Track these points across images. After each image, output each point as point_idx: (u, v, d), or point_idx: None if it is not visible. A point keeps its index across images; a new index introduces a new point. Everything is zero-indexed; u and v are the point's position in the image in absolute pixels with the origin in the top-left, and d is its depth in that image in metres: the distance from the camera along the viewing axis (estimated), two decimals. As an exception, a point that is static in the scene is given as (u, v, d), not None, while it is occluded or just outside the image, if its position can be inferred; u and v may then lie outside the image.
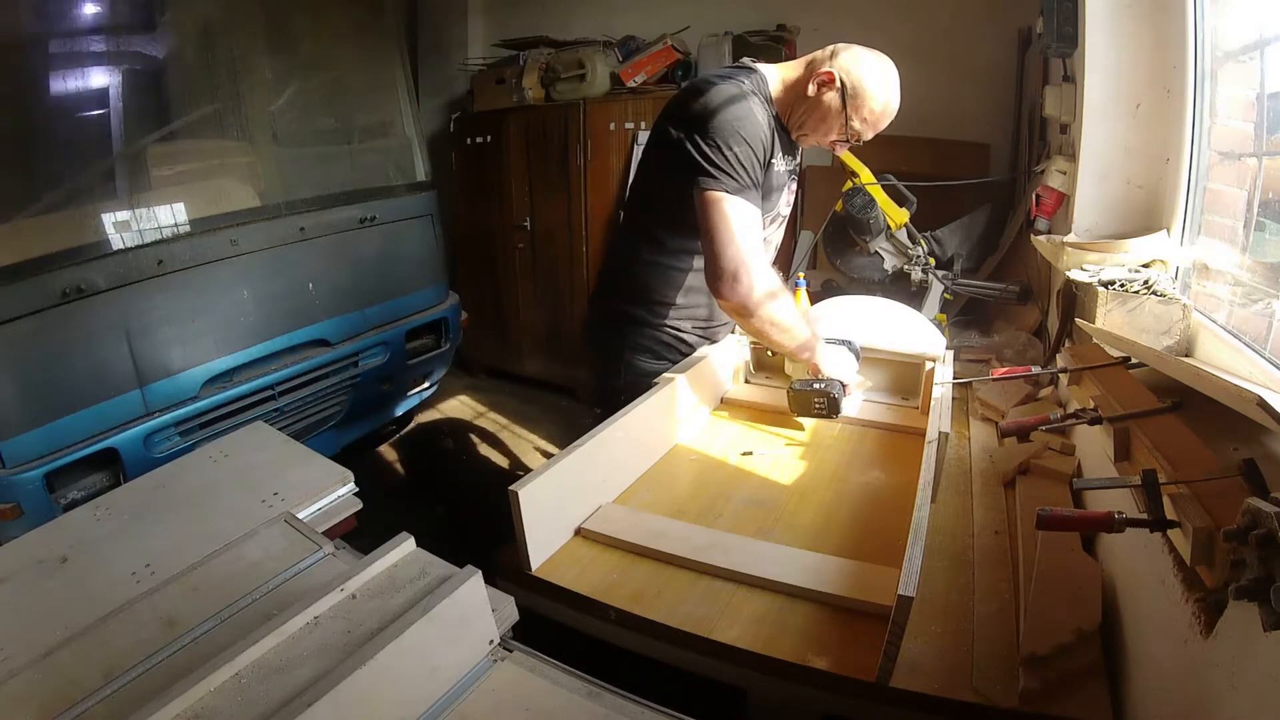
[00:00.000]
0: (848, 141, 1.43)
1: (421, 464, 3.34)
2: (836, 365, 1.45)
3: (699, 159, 1.32)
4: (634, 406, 1.30)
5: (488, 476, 3.14)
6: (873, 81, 1.36)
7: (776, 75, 1.45)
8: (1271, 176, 1.22)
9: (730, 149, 1.31)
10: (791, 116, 1.44)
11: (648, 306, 1.54)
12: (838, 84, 1.36)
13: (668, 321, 1.55)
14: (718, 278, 1.34)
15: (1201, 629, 0.66)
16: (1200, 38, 1.42)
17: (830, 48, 1.40)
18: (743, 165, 1.33)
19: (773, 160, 1.42)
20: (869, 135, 1.41)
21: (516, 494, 1.00)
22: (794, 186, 1.58)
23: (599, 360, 1.64)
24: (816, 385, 1.42)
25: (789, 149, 1.49)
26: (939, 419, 1.22)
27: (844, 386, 1.43)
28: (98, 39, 2.09)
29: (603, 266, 1.72)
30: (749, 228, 1.34)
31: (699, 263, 1.41)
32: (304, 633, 0.79)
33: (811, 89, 1.38)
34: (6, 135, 1.91)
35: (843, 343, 1.51)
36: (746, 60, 1.49)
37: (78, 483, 2.00)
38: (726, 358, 1.66)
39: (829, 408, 1.42)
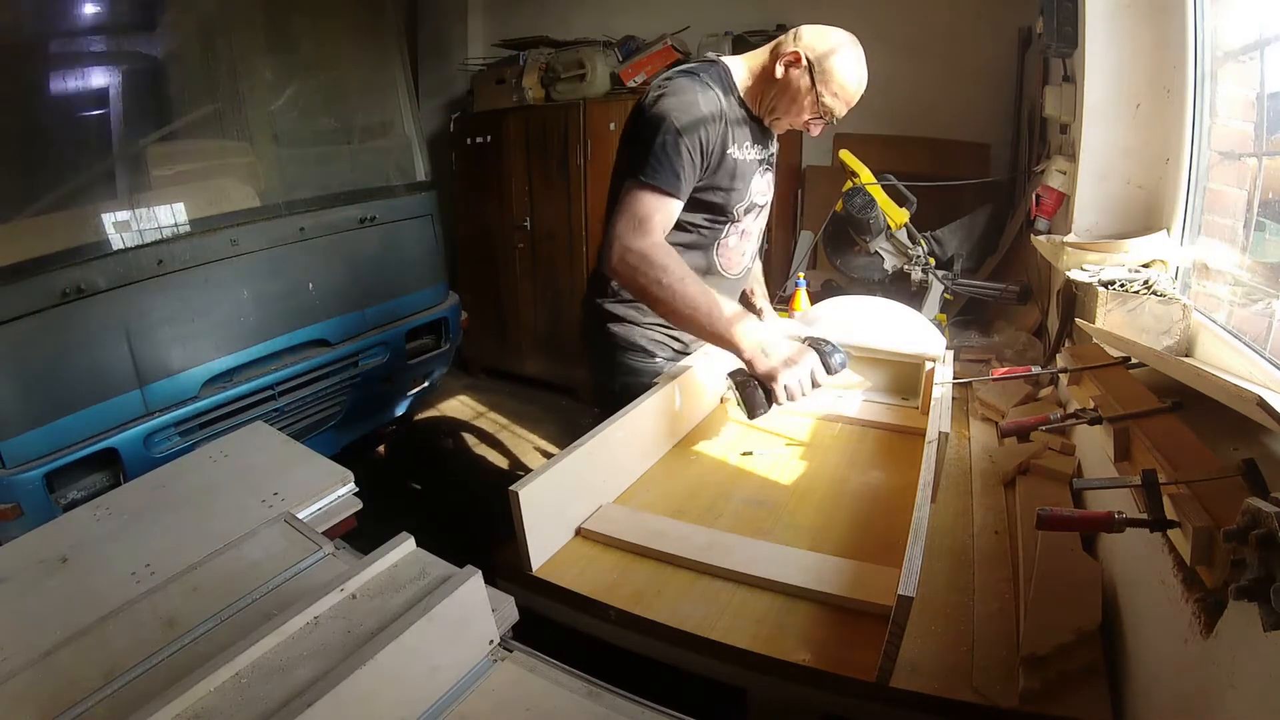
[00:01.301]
0: (822, 119, 1.44)
1: (421, 464, 3.34)
2: (766, 352, 1.25)
3: (632, 152, 1.36)
4: (634, 406, 1.30)
5: (488, 476, 3.14)
6: (838, 56, 1.37)
7: (742, 65, 1.47)
8: (1271, 176, 1.22)
9: (657, 139, 1.32)
10: (761, 102, 1.46)
11: (636, 304, 1.54)
12: (804, 62, 1.38)
13: (657, 320, 1.55)
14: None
15: (1201, 629, 0.66)
16: (1200, 38, 1.42)
17: (793, 30, 1.42)
18: (667, 155, 1.32)
19: (729, 149, 1.42)
20: (841, 111, 1.42)
21: (517, 494, 1.00)
22: (768, 175, 1.57)
23: (594, 361, 1.64)
24: (732, 378, 1.28)
25: (759, 137, 1.50)
26: (939, 419, 1.22)
27: (767, 389, 1.24)
28: (98, 39, 2.09)
29: (595, 268, 1.72)
30: (643, 213, 1.32)
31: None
32: (304, 633, 0.79)
33: (779, 71, 1.40)
34: (6, 135, 1.91)
35: (815, 341, 1.29)
36: (710, 54, 1.52)
37: (78, 483, 2.00)
38: (726, 357, 1.66)
39: (745, 406, 1.25)
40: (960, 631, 0.93)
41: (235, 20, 2.37)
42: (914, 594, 0.78)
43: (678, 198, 1.36)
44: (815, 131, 1.48)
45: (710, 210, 1.47)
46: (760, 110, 1.47)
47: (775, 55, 1.42)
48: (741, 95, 1.45)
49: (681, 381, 1.44)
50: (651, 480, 1.31)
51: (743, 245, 1.58)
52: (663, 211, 1.35)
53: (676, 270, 1.29)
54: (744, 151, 1.45)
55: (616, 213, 1.36)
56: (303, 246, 2.50)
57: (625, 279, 1.35)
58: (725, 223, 1.50)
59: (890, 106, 2.94)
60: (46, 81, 1.98)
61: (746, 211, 1.53)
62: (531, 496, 1.02)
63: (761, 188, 1.55)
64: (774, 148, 1.58)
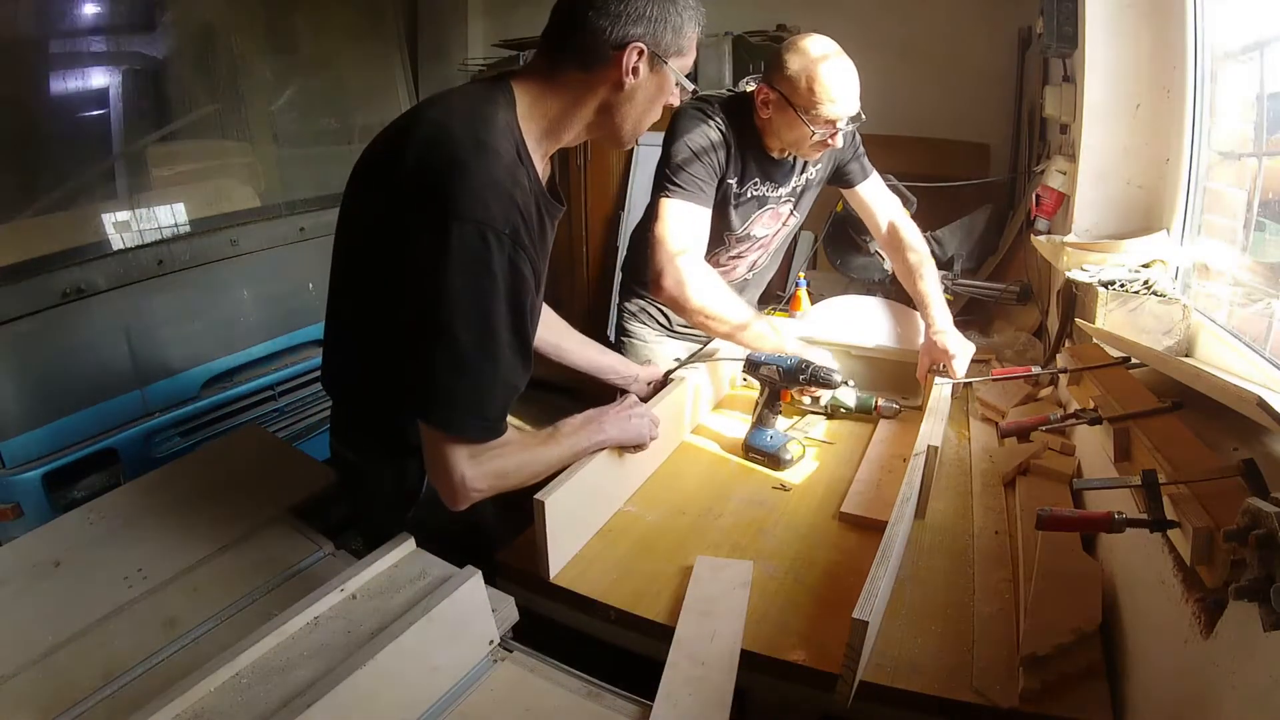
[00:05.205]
0: (836, 129, 1.38)
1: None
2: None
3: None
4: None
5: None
6: (801, 66, 1.35)
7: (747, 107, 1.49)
8: (1271, 176, 1.22)
9: (674, 158, 1.42)
10: (770, 142, 1.48)
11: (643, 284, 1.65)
12: (774, 94, 1.38)
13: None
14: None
15: (1201, 629, 0.66)
16: (1200, 38, 1.42)
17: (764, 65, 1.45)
18: (685, 170, 1.41)
19: (729, 180, 1.46)
20: (842, 110, 1.36)
21: (543, 503, 0.99)
22: (768, 217, 1.59)
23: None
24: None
25: (773, 175, 1.52)
26: (930, 430, 1.18)
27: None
28: (98, 39, 2.09)
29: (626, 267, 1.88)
30: (682, 228, 1.42)
31: None
32: (304, 633, 0.79)
33: (765, 114, 1.42)
34: (7, 135, 1.91)
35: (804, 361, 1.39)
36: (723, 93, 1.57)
37: (78, 483, 1.99)
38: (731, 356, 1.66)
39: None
40: (960, 631, 0.93)
41: (235, 20, 2.36)
42: (869, 619, 0.75)
43: (706, 207, 1.44)
44: (839, 143, 1.44)
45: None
46: (776, 150, 1.49)
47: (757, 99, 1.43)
48: (759, 131, 1.48)
49: (690, 381, 1.45)
50: (659, 480, 1.32)
51: (735, 264, 1.66)
52: (698, 226, 1.44)
53: (724, 297, 1.44)
54: (748, 188, 1.51)
55: (663, 234, 1.41)
56: (303, 246, 2.49)
57: (690, 307, 1.43)
58: (718, 247, 1.58)
59: (890, 106, 2.93)
60: (47, 82, 1.98)
61: (739, 242, 1.60)
62: (556, 505, 1.01)
63: (764, 220, 1.59)
64: (795, 182, 1.58)
